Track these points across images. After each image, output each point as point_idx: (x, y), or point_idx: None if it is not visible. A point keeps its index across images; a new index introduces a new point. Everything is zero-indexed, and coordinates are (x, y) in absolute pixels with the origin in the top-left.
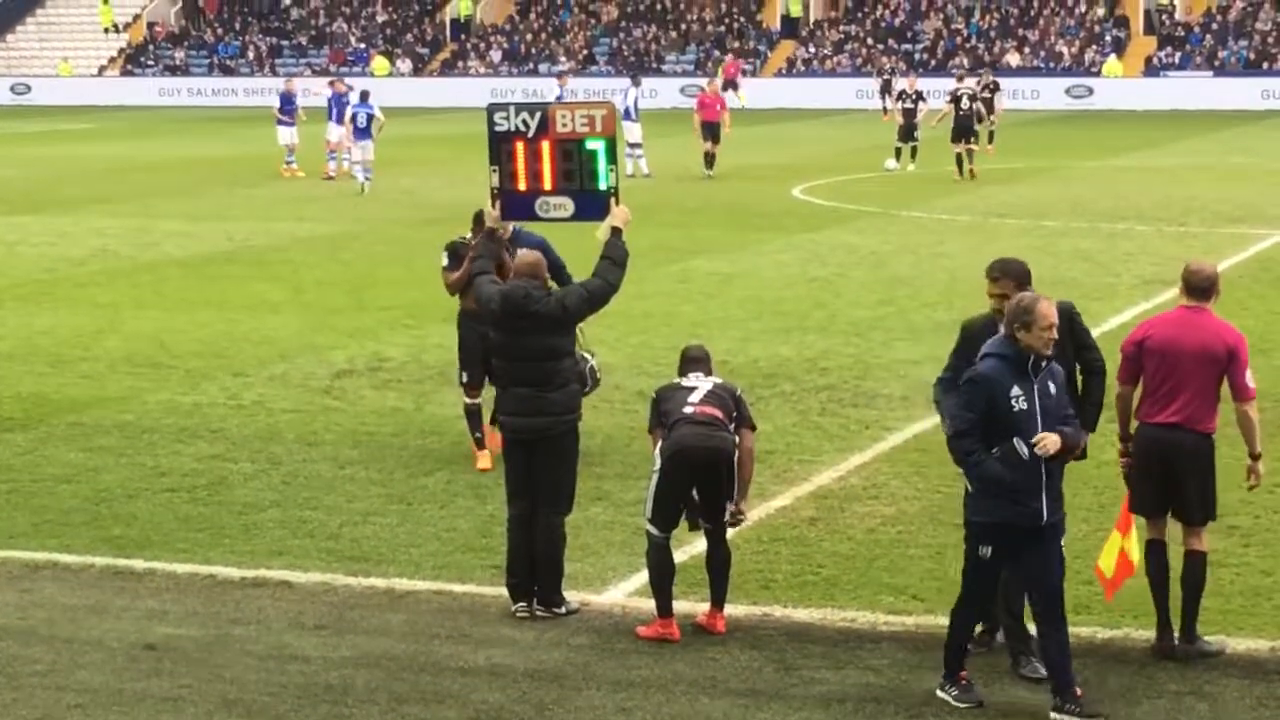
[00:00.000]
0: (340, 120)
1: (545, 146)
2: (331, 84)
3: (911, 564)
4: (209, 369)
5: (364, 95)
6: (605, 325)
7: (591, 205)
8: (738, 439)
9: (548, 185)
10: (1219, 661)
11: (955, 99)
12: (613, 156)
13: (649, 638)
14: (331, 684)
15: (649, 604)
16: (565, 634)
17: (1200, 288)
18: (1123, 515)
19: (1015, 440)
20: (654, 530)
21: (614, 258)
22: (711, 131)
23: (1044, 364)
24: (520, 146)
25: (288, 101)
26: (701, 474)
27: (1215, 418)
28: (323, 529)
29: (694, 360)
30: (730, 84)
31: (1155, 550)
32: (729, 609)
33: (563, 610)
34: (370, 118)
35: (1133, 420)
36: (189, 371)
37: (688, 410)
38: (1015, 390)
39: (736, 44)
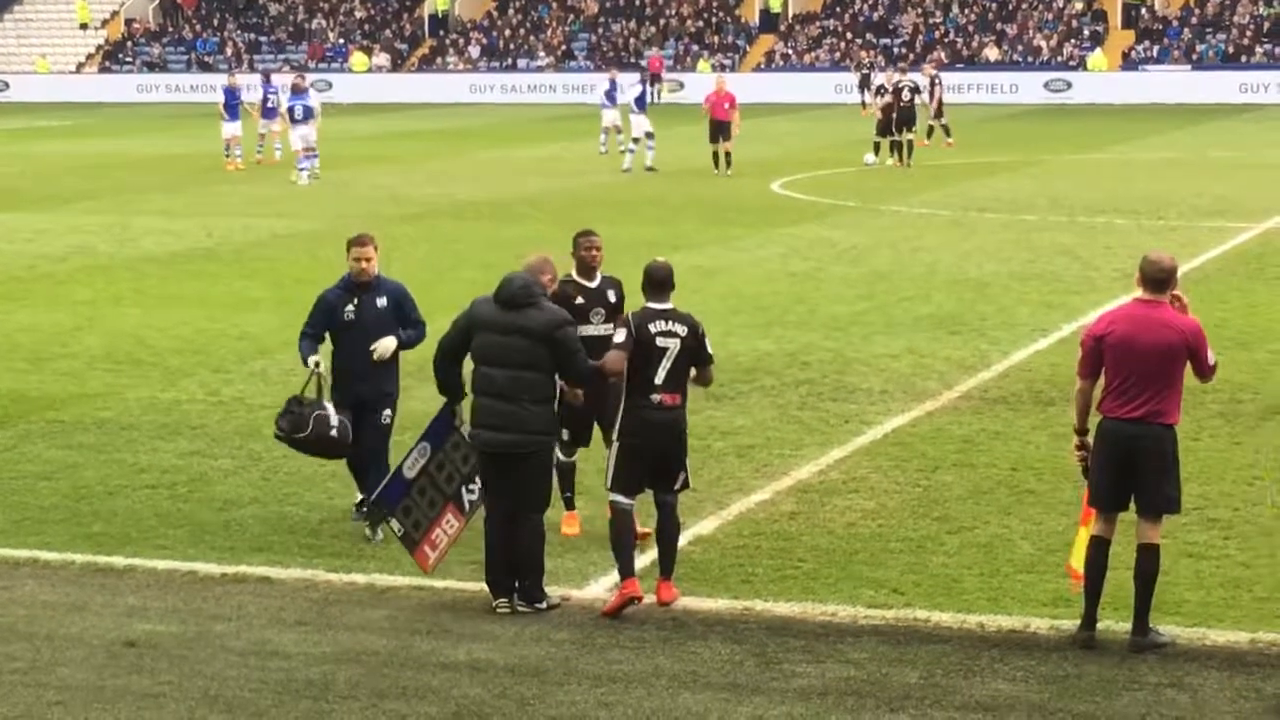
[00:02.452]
0: (305, 118)
1: None
2: (298, 77)
3: (891, 558)
4: (189, 366)
5: (295, 88)
6: None
7: None
8: (694, 384)
9: None
10: (1199, 653)
11: (896, 91)
12: None
13: (616, 607)
14: (312, 680)
15: None
16: (546, 629)
17: (1158, 280)
18: (1085, 512)
19: None
20: (621, 499)
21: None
22: (721, 130)
23: None
24: None
25: (232, 96)
26: (659, 451)
27: (1179, 409)
28: (303, 525)
29: (660, 284)
30: (655, 78)
31: (1097, 547)
32: (708, 602)
33: (544, 605)
34: (307, 110)
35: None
36: (169, 368)
37: (654, 398)
38: None
39: (715, 38)
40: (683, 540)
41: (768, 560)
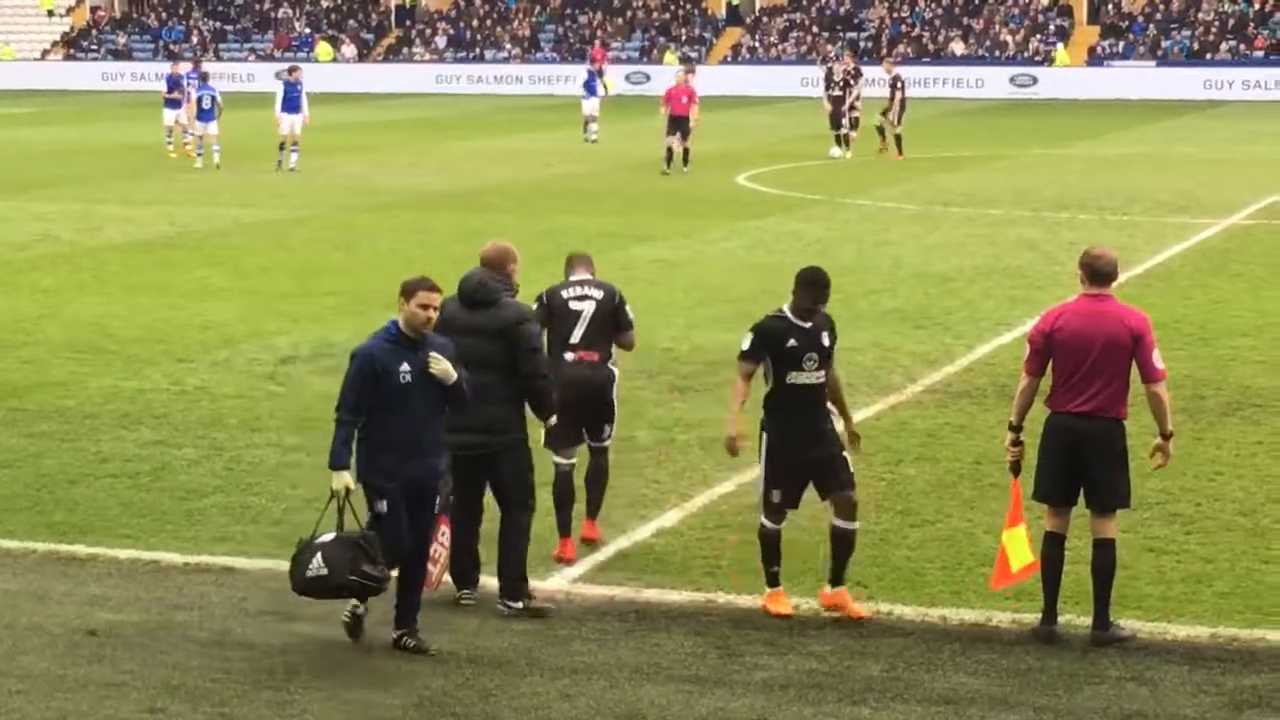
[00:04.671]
0: (293, 109)
1: None
2: (290, 71)
3: (855, 551)
4: (152, 354)
5: (204, 77)
6: None
7: None
8: (617, 347)
9: None
10: (1160, 647)
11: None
12: None
13: (560, 556)
14: (275, 670)
15: (593, 590)
16: (508, 620)
17: (1104, 273)
18: (1014, 508)
19: None
20: (559, 459)
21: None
22: (679, 126)
23: None
24: None
25: (174, 84)
26: (584, 406)
27: (1127, 404)
28: (266, 515)
29: (578, 262)
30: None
31: (1053, 542)
32: (671, 594)
33: (520, 606)
34: (213, 100)
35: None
36: (131, 357)
37: (569, 357)
38: None
39: (682, 31)
40: (646, 532)
41: (731, 553)
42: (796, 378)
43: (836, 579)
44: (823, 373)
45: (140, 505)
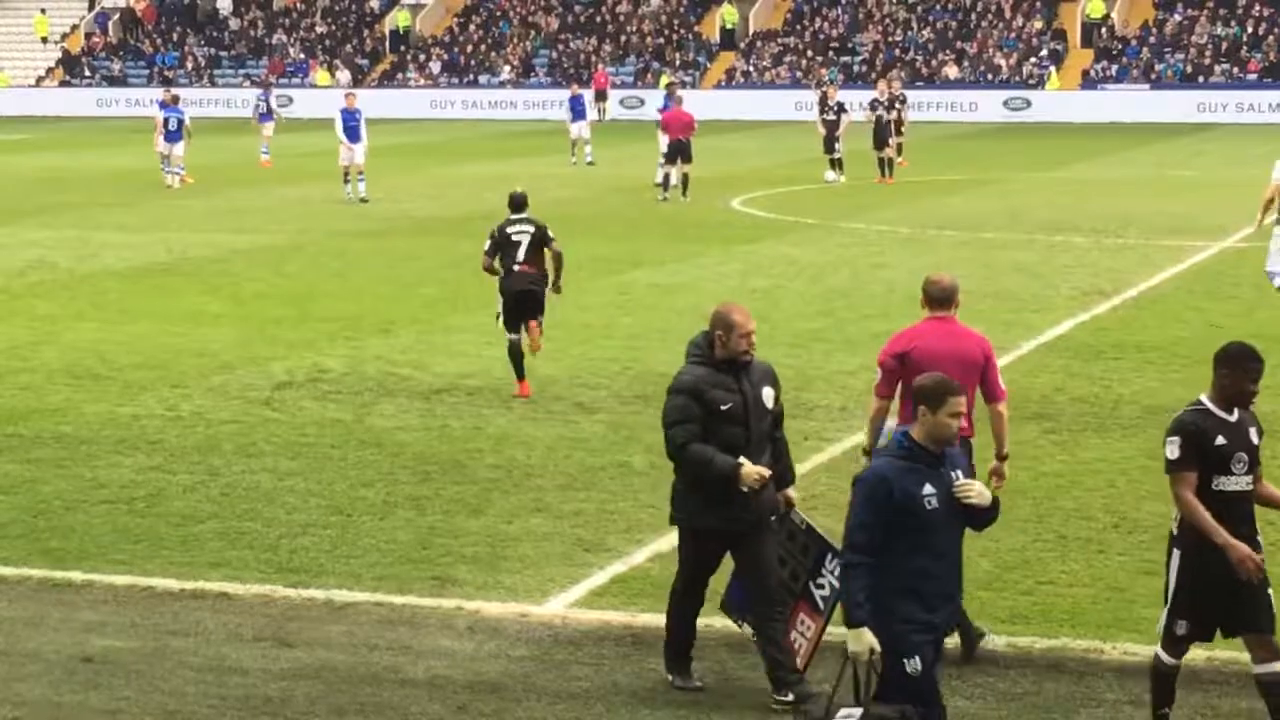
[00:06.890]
0: (355, 139)
1: None
2: (347, 98)
3: None
4: (148, 380)
5: (174, 99)
6: (546, 337)
7: None
8: (551, 257)
9: None
10: None
11: (874, 108)
12: None
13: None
14: (271, 696)
15: (590, 615)
16: (505, 645)
17: (942, 298)
18: None
19: None
20: (510, 334)
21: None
22: (681, 150)
23: None
24: None
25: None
26: (524, 303)
27: (973, 422)
28: (262, 540)
29: (519, 204)
30: (600, 95)
31: None
32: (660, 619)
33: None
34: (180, 122)
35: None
36: (127, 383)
37: (516, 268)
38: None
39: (676, 55)
40: (641, 556)
41: (727, 577)
42: (1224, 484)
43: None
44: (1252, 478)
45: (136, 531)
